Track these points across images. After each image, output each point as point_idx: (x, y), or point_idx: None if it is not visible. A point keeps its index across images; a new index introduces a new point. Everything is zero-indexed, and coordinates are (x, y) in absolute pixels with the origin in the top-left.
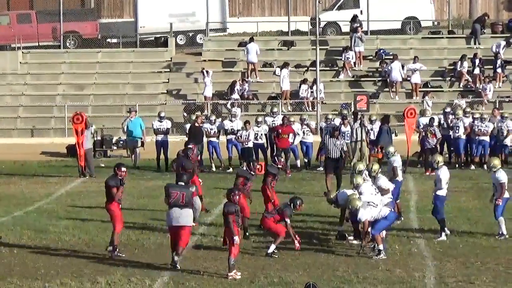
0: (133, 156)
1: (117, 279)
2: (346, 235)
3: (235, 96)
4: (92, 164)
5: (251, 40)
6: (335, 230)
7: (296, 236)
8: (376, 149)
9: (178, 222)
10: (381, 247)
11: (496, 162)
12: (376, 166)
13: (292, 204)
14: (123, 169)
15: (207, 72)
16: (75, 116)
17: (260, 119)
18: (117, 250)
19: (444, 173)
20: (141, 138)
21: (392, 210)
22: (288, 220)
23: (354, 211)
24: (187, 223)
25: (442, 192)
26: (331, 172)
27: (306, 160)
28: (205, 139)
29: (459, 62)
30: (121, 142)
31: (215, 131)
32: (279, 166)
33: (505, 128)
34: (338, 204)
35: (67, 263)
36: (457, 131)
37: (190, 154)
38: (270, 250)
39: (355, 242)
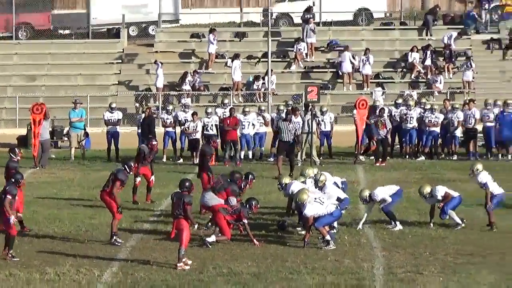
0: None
1: (66, 270)
2: (286, 225)
3: (187, 87)
4: (47, 155)
5: (213, 30)
6: (284, 221)
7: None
8: (372, 142)
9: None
10: (328, 237)
11: (479, 166)
12: (323, 177)
13: (248, 205)
14: (132, 165)
15: (160, 63)
16: (35, 106)
17: (210, 110)
18: (115, 237)
19: (486, 176)
20: (84, 129)
21: (338, 207)
22: (246, 221)
23: (300, 205)
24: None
25: (499, 191)
26: (282, 155)
27: (259, 152)
28: (162, 130)
29: (410, 53)
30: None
31: (171, 121)
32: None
33: (456, 119)
34: (285, 193)
35: (16, 253)
36: (411, 121)
37: (150, 146)
38: (209, 239)
39: (304, 232)
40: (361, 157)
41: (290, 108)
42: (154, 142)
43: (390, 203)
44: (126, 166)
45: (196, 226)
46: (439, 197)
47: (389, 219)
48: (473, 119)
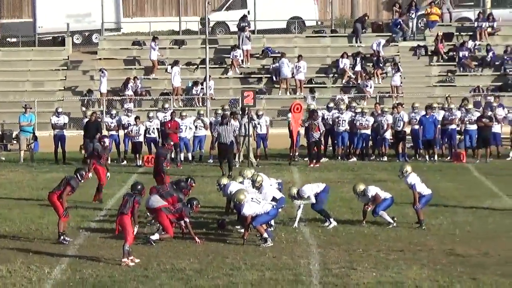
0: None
1: (18, 267)
2: (225, 224)
3: (129, 92)
4: None
5: (155, 38)
6: (223, 220)
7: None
8: None
9: None
10: (265, 235)
11: (408, 168)
12: (260, 178)
13: (189, 204)
14: (84, 173)
15: (104, 70)
16: None
17: (151, 114)
18: (63, 236)
19: (414, 178)
20: (34, 133)
21: (274, 206)
22: (187, 220)
23: (237, 205)
24: None
25: (427, 192)
26: (223, 157)
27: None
28: (106, 133)
29: (340, 59)
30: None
31: (115, 125)
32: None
33: (385, 122)
34: (224, 193)
35: None
36: (343, 124)
37: (103, 143)
38: (153, 237)
39: (243, 230)
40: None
41: (227, 112)
42: (106, 140)
43: (320, 201)
44: (78, 174)
45: (137, 227)
46: (370, 197)
47: (323, 218)
48: (401, 122)
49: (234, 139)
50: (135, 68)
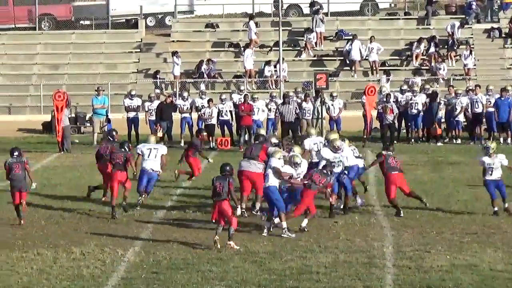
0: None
1: (91, 249)
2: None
3: (202, 74)
4: (69, 140)
5: (251, 18)
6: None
7: None
8: (434, 126)
9: None
10: (285, 224)
11: (493, 145)
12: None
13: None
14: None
15: (177, 53)
16: (57, 94)
17: (224, 96)
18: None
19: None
20: (107, 115)
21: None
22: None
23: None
24: None
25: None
26: (286, 135)
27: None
28: (178, 115)
29: (416, 43)
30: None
31: (187, 107)
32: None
33: (459, 104)
34: None
35: (43, 234)
36: (416, 107)
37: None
38: (303, 224)
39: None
40: (439, 143)
41: (287, 92)
42: (204, 134)
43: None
44: (125, 147)
45: (239, 207)
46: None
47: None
48: (480, 103)
49: (297, 115)
50: (208, 51)
